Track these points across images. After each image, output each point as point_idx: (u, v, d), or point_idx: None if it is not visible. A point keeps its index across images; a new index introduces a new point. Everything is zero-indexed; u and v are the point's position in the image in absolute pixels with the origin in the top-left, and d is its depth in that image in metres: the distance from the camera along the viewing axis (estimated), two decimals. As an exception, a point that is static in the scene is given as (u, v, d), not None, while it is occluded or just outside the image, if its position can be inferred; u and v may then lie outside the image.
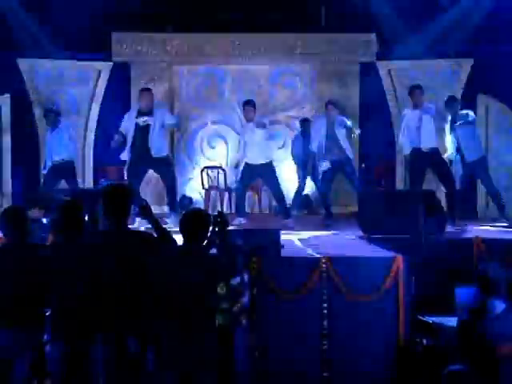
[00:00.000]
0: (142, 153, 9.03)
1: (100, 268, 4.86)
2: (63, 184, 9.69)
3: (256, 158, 9.35)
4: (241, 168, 9.42)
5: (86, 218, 5.34)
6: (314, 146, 9.76)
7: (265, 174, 9.47)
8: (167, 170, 9.30)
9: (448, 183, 9.23)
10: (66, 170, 9.68)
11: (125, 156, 9.08)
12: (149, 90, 9.36)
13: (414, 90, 9.23)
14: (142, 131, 9.00)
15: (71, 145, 9.79)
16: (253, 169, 9.38)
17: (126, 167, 9.07)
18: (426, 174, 9.30)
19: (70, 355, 4.90)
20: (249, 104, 9.46)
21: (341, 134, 9.59)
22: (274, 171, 9.48)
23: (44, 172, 9.70)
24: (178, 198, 11.13)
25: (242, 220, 9.20)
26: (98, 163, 11.02)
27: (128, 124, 9.09)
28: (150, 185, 10.20)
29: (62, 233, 5.13)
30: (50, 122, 9.73)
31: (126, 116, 9.23)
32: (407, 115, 9.32)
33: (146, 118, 8.98)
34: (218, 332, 4.95)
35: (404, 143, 9.32)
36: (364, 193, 8.95)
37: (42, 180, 9.77)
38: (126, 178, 9.03)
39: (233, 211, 10.77)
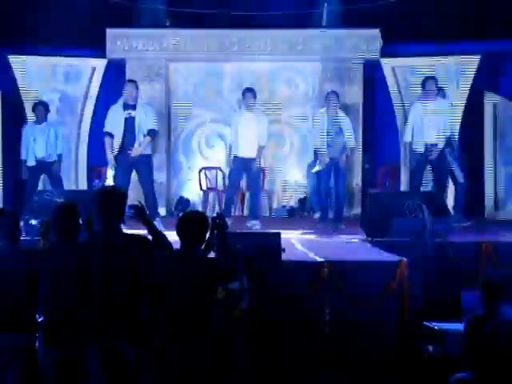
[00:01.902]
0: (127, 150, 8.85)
1: (95, 270, 4.82)
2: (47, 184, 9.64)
3: (247, 152, 9.23)
4: (230, 161, 9.34)
5: (80, 220, 5.24)
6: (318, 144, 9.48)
7: (251, 170, 9.35)
8: (149, 170, 9.09)
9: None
10: (51, 169, 9.54)
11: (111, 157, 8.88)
12: (134, 81, 9.20)
13: (427, 81, 9.19)
14: (130, 126, 8.83)
15: (59, 143, 9.64)
16: (243, 162, 9.25)
17: (113, 167, 8.84)
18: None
19: (62, 360, 4.84)
20: (251, 91, 9.35)
21: (346, 124, 9.38)
22: (260, 169, 9.43)
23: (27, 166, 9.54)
24: (176, 200, 11.07)
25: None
26: (93, 163, 10.84)
27: (116, 120, 8.86)
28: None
29: (58, 234, 5.08)
30: (40, 116, 9.58)
31: (110, 113, 8.99)
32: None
33: (131, 111, 8.84)
34: (217, 333, 4.87)
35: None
36: (368, 194, 8.86)
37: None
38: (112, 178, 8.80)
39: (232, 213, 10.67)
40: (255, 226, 9.13)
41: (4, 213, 5.39)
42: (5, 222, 5.16)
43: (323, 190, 9.44)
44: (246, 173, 9.45)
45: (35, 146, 9.48)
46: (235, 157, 9.28)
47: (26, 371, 4.98)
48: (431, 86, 9.10)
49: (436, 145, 9.11)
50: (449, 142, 9.22)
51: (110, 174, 8.87)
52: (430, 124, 9.09)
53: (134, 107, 8.87)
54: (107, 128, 8.94)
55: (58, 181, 9.58)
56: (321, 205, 9.61)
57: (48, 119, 9.66)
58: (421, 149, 9.14)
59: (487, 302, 5.33)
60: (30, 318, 5.01)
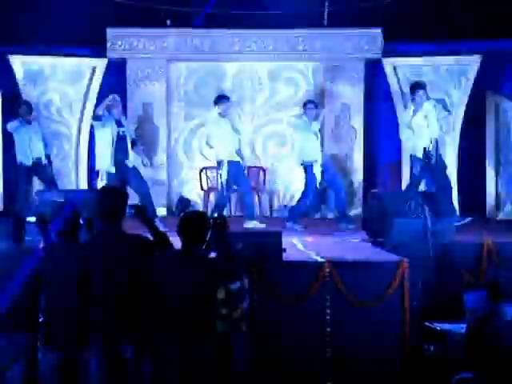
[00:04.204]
0: (121, 165, 8.96)
1: (95, 270, 4.82)
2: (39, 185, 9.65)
3: (234, 155, 9.40)
4: (225, 166, 9.34)
5: (81, 220, 5.28)
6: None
7: (240, 172, 9.44)
8: (141, 178, 9.20)
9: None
10: (45, 170, 9.57)
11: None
12: (119, 97, 9.34)
13: (416, 89, 9.20)
14: (121, 141, 8.98)
15: (47, 143, 9.74)
16: (236, 166, 9.36)
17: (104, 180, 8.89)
18: None
19: (62, 360, 4.87)
20: (228, 99, 9.56)
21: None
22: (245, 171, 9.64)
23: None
24: (176, 200, 11.03)
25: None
26: (93, 163, 10.79)
27: (104, 141, 8.99)
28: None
29: (58, 234, 5.09)
30: (27, 117, 9.58)
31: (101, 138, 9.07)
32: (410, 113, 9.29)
33: (123, 129, 9.05)
34: (217, 334, 4.86)
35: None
36: (369, 194, 8.82)
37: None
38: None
39: (233, 214, 10.60)
40: (257, 225, 9.11)
41: (9, 213, 5.40)
42: (10, 222, 5.18)
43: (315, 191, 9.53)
44: (235, 175, 9.51)
45: (31, 146, 9.48)
46: (230, 161, 9.34)
47: (26, 371, 5.01)
48: (420, 93, 9.16)
49: (432, 148, 9.12)
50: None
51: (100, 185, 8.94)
52: (423, 128, 9.12)
53: (121, 123, 9.06)
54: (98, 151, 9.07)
55: (53, 181, 9.60)
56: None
57: (33, 120, 9.69)
58: (420, 154, 9.14)
59: (491, 302, 5.31)
60: (31, 318, 5.03)
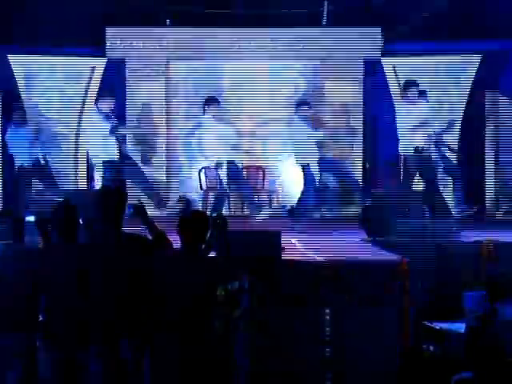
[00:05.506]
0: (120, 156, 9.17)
1: (95, 270, 4.85)
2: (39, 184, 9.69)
3: (233, 155, 9.60)
4: (224, 166, 9.45)
5: (80, 220, 5.27)
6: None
7: (238, 172, 9.61)
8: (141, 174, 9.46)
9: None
10: (43, 170, 9.63)
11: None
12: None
13: (409, 87, 9.26)
14: (122, 135, 9.30)
15: (45, 143, 9.81)
16: (234, 166, 9.53)
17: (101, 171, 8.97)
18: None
19: (62, 360, 4.86)
20: (217, 100, 9.74)
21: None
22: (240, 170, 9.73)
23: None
24: (176, 200, 11.02)
25: None
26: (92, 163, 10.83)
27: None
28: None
29: (59, 234, 5.09)
30: (22, 119, 9.67)
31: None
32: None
33: (115, 121, 9.30)
34: (217, 334, 4.91)
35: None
36: (369, 194, 8.84)
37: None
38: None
39: (233, 213, 10.63)
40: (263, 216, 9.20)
41: (9, 213, 5.41)
42: (9, 222, 5.19)
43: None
44: (234, 175, 9.52)
45: (30, 147, 9.55)
46: (230, 162, 9.40)
47: (26, 371, 5.02)
48: (413, 91, 9.16)
49: (423, 147, 9.13)
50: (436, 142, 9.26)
51: (98, 177, 8.97)
52: (415, 127, 9.12)
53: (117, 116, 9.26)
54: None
55: (53, 181, 9.63)
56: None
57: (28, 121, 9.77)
58: (410, 152, 9.16)
59: (489, 301, 5.31)
60: (30, 318, 5.03)
